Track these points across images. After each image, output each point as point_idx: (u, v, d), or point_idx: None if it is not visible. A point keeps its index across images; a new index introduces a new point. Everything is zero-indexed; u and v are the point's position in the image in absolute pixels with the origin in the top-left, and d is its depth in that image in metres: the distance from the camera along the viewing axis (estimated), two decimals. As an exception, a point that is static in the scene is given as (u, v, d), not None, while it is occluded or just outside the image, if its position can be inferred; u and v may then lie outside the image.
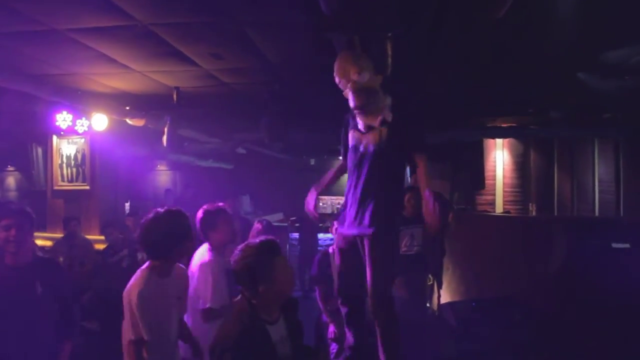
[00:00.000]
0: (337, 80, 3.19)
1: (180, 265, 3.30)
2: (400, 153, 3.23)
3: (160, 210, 3.12)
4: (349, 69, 3.11)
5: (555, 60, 5.42)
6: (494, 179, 9.35)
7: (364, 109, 3.16)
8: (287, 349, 2.59)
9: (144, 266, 3.09)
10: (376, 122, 3.20)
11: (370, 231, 3.17)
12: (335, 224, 4.96)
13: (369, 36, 3.49)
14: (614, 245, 5.74)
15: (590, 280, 5.73)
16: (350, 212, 3.27)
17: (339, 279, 3.44)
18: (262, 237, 2.70)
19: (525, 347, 5.31)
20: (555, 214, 8.89)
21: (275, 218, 12.67)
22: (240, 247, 2.63)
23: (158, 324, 2.97)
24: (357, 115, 3.24)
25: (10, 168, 16.11)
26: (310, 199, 3.58)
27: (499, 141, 9.31)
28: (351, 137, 3.32)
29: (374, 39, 3.56)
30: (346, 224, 3.31)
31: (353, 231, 3.27)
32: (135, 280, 3.01)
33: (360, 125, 3.26)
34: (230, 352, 2.44)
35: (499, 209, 9.11)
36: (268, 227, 5.59)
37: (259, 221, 5.73)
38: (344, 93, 3.21)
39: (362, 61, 3.14)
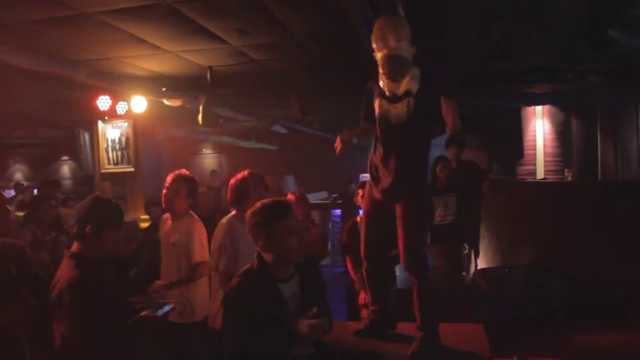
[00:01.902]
0: (373, 43, 3.18)
1: None
2: (428, 121, 3.28)
3: None
4: (389, 35, 3.08)
5: (583, 19, 5.31)
6: (534, 149, 9.17)
7: (395, 76, 3.19)
8: (299, 307, 2.62)
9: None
10: (402, 91, 3.23)
11: (406, 196, 3.25)
12: (360, 192, 5.06)
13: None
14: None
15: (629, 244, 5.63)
16: (384, 179, 3.32)
17: (366, 240, 3.50)
18: (274, 199, 2.78)
19: (555, 314, 5.27)
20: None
21: (319, 197, 12.79)
22: (256, 204, 2.72)
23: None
24: (384, 82, 3.26)
25: (64, 157, 16.81)
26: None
27: (538, 110, 9.11)
28: (378, 105, 3.34)
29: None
30: (379, 189, 3.36)
31: (387, 196, 3.33)
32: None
33: (388, 93, 3.28)
34: (240, 303, 2.54)
35: (539, 178, 8.95)
36: (301, 198, 5.70)
37: (292, 192, 5.85)
38: (375, 55, 3.19)
39: (402, 29, 3.11)
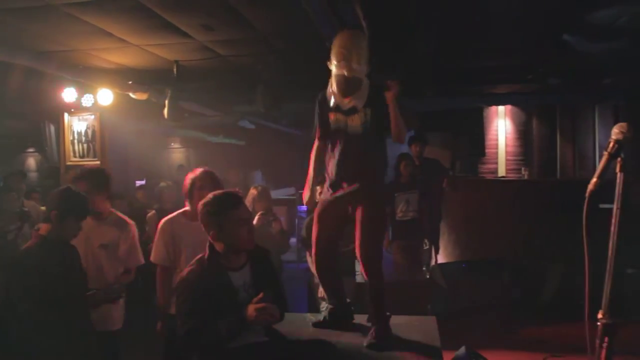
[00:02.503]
0: (333, 58, 3.21)
1: None
2: (384, 128, 3.40)
3: None
4: (353, 57, 3.13)
5: (540, 23, 5.46)
6: (497, 148, 9.38)
7: (347, 95, 3.29)
8: (250, 295, 2.70)
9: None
10: (348, 105, 3.34)
11: (367, 201, 3.37)
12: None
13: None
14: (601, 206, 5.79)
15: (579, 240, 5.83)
16: (344, 185, 3.41)
17: (318, 242, 3.60)
18: (225, 190, 2.88)
19: (511, 306, 5.47)
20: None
21: (286, 192, 12.87)
22: (208, 195, 2.82)
23: None
24: (335, 96, 3.34)
25: (30, 149, 16.54)
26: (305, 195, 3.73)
27: (501, 110, 9.33)
28: (333, 119, 3.44)
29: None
30: (336, 192, 3.47)
31: (346, 198, 3.42)
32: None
33: (347, 107, 3.38)
34: (190, 291, 2.62)
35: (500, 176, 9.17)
36: (263, 193, 5.75)
37: (254, 187, 5.90)
38: (330, 66, 3.24)
39: (364, 50, 3.18)
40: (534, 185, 7.23)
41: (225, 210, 2.69)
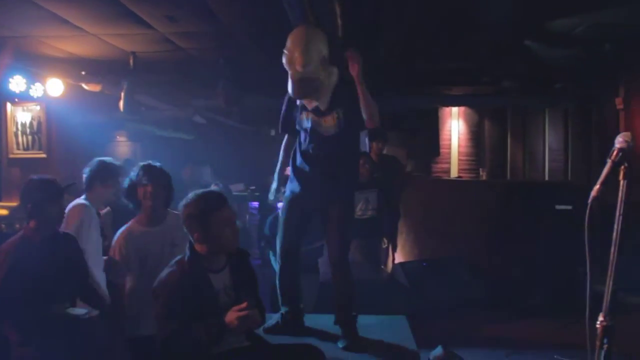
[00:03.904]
0: (283, 60, 3.19)
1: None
2: (357, 128, 3.38)
3: None
4: (296, 58, 3.10)
5: (504, 29, 5.57)
6: (449, 148, 9.54)
7: (301, 97, 3.25)
8: (231, 298, 2.65)
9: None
10: (313, 106, 3.29)
11: (341, 199, 3.41)
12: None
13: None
14: (558, 207, 6.00)
15: (535, 239, 6.03)
16: (314, 185, 3.39)
17: (284, 238, 3.56)
18: (207, 190, 2.79)
19: (472, 304, 5.58)
20: (508, 180, 9.17)
21: (236, 188, 12.69)
22: (189, 196, 2.72)
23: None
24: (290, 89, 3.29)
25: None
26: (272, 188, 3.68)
27: (454, 111, 9.49)
28: (305, 118, 3.38)
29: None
30: (307, 193, 3.41)
31: (317, 200, 3.42)
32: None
33: (311, 107, 3.33)
34: (169, 294, 2.53)
35: (453, 176, 9.33)
36: (224, 191, 5.65)
37: (215, 184, 5.82)
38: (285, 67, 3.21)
39: (311, 52, 3.12)
40: (492, 186, 7.38)
41: (210, 211, 2.60)
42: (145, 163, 3.63)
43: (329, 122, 3.32)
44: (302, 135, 3.45)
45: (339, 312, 3.48)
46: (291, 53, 3.12)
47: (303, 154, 3.44)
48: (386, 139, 6.76)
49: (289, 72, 3.16)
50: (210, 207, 2.62)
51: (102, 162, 3.87)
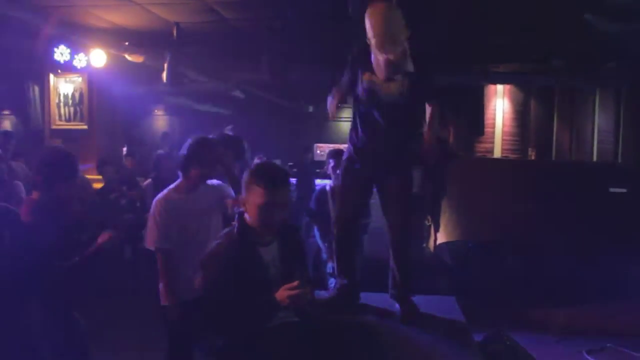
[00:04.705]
0: (373, 44, 3.00)
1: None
2: (421, 101, 3.27)
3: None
4: (387, 41, 2.92)
5: (562, 2, 5.38)
6: (494, 127, 9.31)
7: (390, 78, 3.12)
8: (280, 271, 2.57)
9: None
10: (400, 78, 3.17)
11: (402, 171, 3.32)
12: (332, 162, 5.02)
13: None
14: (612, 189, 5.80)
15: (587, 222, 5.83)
16: (376, 155, 3.27)
17: (342, 212, 3.47)
18: (269, 163, 2.69)
19: (516, 286, 5.44)
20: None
21: (273, 164, 12.67)
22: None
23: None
24: (378, 69, 3.15)
25: (6, 112, 16.00)
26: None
27: (499, 89, 9.24)
28: (368, 80, 3.25)
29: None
30: (366, 162, 3.32)
31: (377, 170, 3.32)
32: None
33: (380, 75, 3.20)
34: (217, 266, 2.46)
35: (497, 156, 9.13)
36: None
37: (259, 157, 5.74)
38: (369, 42, 3.03)
39: (398, 33, 2.94)
40: (542, 166, 7.16)
41: (252, 183, 2.50)
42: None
43: (392, 89, 3.18)
44: (363, 102, 3.33)
45: (396, 288, 3.39)
46: (379, 36, 2.94)
47: (362, 122, 3.33)
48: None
49: (379, 56, 3.00)
50: (255, 179, 2.50)
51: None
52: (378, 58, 3.03)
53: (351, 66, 3.30)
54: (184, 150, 3.44)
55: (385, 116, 3.22)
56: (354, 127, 3.41)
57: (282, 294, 2.39)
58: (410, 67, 3.08)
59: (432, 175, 6.35)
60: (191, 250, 3.23)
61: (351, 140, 3.40)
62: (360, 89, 3.26)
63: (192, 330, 3.24)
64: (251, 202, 2.48)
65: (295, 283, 2.39)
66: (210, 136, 3.58)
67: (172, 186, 3.46)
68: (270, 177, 2.52)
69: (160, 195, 3.43)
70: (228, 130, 4.27)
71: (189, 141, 3.45)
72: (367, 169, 3.33)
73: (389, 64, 2.99)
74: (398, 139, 3.25)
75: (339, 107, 3.43)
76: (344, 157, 3.50)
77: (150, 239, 3.33)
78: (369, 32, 2.99)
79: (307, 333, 2.63)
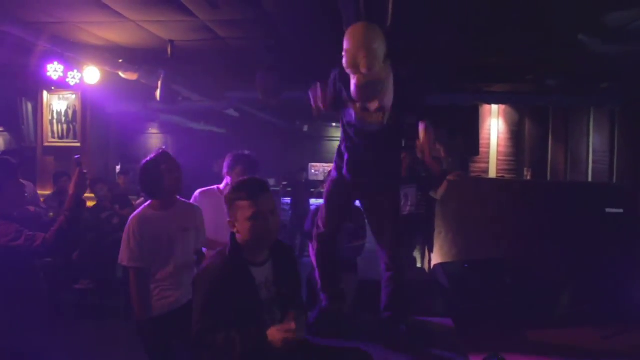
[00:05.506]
0: (344, 61, 2.90)
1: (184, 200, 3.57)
2: (402, 124, 3.26)
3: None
4: (360, 60, 2.82)
5: (556, 23, 5.38)
6: (488, 147, 9.29)
7: (366, 102, 3.05)
8: (272, 293, 2.52)
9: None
10: (384, 104, 3.11)
11: (390, 189, 3.34)
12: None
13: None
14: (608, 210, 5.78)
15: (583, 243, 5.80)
16: (363, 175, 3.26)
17: (328, 224, 3.45)
18: (247, 177, 2.60)
19: (515, 308, 5.37)
20: (548, 182, 8.91)
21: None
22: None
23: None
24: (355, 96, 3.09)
25: (-1, 128, 15.94)
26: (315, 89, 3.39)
27: (494, 109, 9.24)
28: (352, 110, 3.19)
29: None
30: (355, 178, 3.28)
31: (363, 186, 3.32)
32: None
33: (373, 109, 3.14)
34: (209, 286, 2.40)
35: (492, 176, 9.10)
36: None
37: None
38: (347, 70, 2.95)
39: (374, 52, 2.85)
40: (538, 187, 7.14)
41: (235, 200, 2.46)
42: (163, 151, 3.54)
43: (374, 118, 3.14)
44: (346, 124, 3.28)
45: (394, 303, 3.34)
46: (353, 55, 2.83)
47: (351, 141, 3.28)
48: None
49: (352, 76, 2.93)
50: (235, 196, 2.46)
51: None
52: (353, 79, 2.94)
53: (334, 86, 3.22)
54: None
55: (374, 142, 3.19)
56: (340, 143, 3.38)
57: (276, 334, 2.32)
58: (389, 92, 3.01)
59: (426, 194, 6.30)
60: (166, 266, 3.30)
61: (337, 157, 3.38)
62: (344, 111, 3.22)
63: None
64: (240, 219, 2.44)
65: (292, 325, 2.31)
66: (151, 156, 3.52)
67: (146, 203, 3.45)
68: (249, 188, 2.48)
69: (135, 213, 3.42)
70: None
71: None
72: (354, 183, 3.31)
73: (362, 85, 2.91)
74: (385, 158, 3.24)
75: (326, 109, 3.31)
76: (332, 168, 3.47)
77: (123, 256, 3.29)
78: (345, 53, 2.90)
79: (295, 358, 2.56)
